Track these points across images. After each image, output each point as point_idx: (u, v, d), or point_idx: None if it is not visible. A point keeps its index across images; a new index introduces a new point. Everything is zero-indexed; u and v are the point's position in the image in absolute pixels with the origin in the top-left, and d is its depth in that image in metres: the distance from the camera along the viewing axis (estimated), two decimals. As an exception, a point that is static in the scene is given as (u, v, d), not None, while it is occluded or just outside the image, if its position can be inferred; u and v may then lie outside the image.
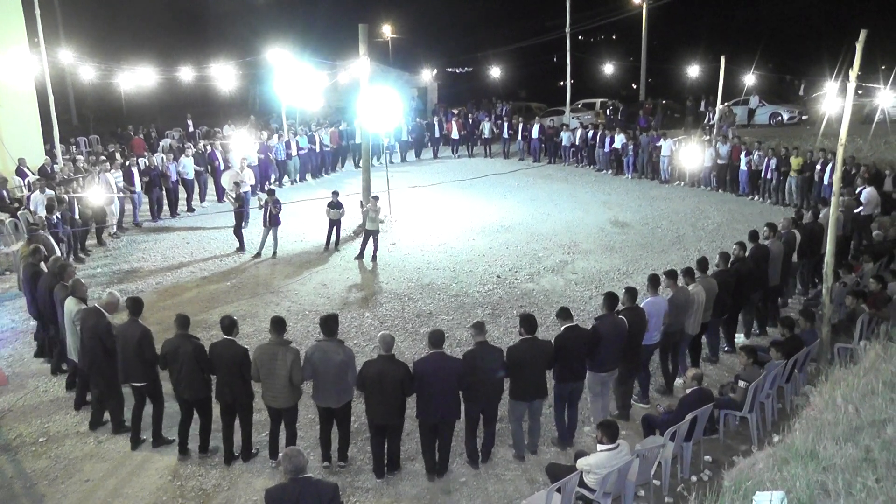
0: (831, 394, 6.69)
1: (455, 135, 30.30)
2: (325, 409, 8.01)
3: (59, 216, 14.81)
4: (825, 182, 18.54)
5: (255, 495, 7.66)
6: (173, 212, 20.04)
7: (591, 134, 27.21)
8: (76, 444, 8.66)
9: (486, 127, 30.35)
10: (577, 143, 27.56)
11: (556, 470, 7.23)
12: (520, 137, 29.51)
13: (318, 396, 7.93)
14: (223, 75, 28.79)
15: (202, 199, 21.52)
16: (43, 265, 10.63)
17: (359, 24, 18.60)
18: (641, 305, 9.25)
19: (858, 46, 9.25)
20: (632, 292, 9.15)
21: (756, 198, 21.35)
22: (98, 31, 36.86)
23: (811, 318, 9.99)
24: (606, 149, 26.13)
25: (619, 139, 25.66)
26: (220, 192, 21.05)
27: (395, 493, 7.69)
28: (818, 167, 19.27)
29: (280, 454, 8.03)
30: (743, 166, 21.58)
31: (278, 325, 7.90)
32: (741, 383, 8.59)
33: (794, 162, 20.00)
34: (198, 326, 11.76)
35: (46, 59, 20.22)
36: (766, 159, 20.92)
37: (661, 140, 24.32)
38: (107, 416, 9.02)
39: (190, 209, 20.62)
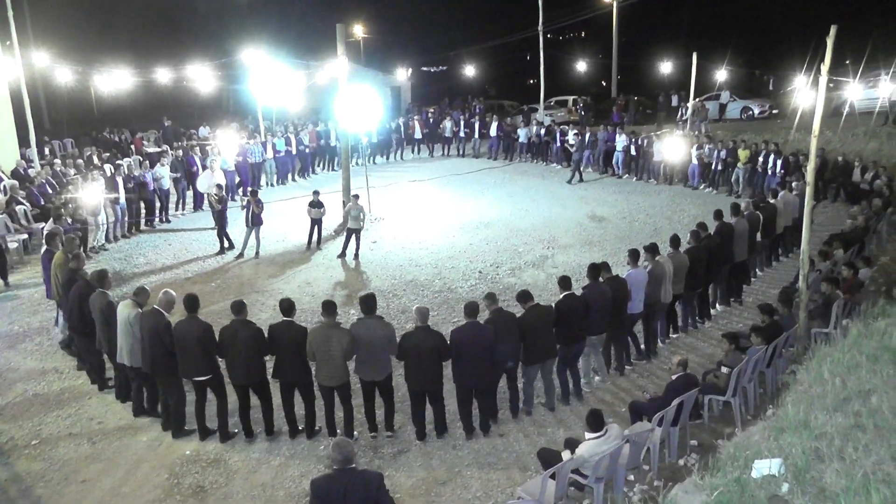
0: (818, 369, 7.00)
1: (418, 134, 30.44)
2: (368, 383, 8.49)
3: (69, 222, 14.65)
4: (769, 173, 19.94)
5: (252, 490, 7.75)
6: (149, 221, 19.11)
7: (543, 131, 27.79)
8: (70, 445, 8.67)
9: (447, 126, 30.58)
10: (533, 139, 28.14)
11: (547, 455, 7.40)
12: (476, 135, 29.85)
13: (363, 370, 8.40)
14: (198, 76, 28.60)
15: (178, 209, 20.67)
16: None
17: (336, 23, 18.74)
18: (624, 276, 10.15)
19: (829, 42, 9.51)
20: (606, 266, 10.03)
21: (709, 189, 21.99)
22: (69, 33, 36.36)
23: (789, 304, 10.34)
24: (557, 144, 26.83)
25: (572, 135, 26.03)
26: (198, 200, 20.73)
27: (390, 485, 7.73)
28: (760, 159, 20.43)
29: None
30: (693, 160, 22.30)
31: (330, 308, 8.30)
32: (724, 369, 8.85)
33: (742, 154, 21.05)
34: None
35: (21, 63, 20.02)
36: (715, 151, 21.78)
37: (618, 135, 24.92)
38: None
39: (166, 220, 19.60)
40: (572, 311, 9.17)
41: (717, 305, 12.85)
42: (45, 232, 13.02)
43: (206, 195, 18.44)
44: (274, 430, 8.76)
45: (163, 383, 8.81)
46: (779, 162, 19.53)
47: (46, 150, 23.55)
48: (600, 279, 9.77)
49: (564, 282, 9.36)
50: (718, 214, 12.82)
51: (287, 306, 8.49)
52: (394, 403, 8.79)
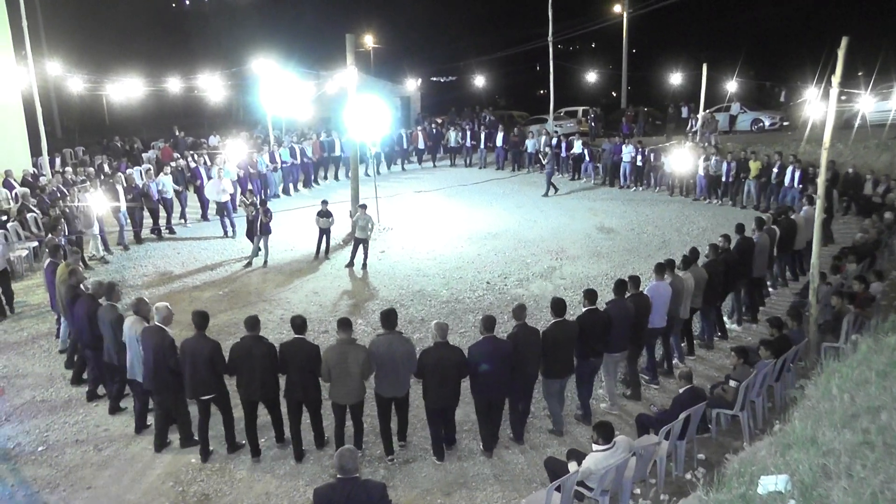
0: (826, 385, 6.94)
1: (421, 145, 30.52)
2: (387, 400, 8.34)
3: (66, 233, 14.66)
4: (786, 184, 19.66)
5: (256, 499, 7.74)
6: (155, 231, 18.91)
7: (554, 142, 27.82)
8: (76, 452, 8.70)
9: (451, 136, 30.68)
10: (541, 149, 28.09)
11: (555, 465, 7.36)
12: (482, 146, 29.86)
13: (383, 387, 8.26)
14: (208, 86, 28.77)
15: (182, 218, 20.48)
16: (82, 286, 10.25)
17: (345, 34, 18.78)
18: (645, 291, 9.93)
19: (840, 53, 9.50)
20: (635, 280, 9.84)
21: (714, 201, 21.96)
22: (81, 43, 36.84)
23: (799, 317, 10.25)
24: (563, 154, 27.12)
25: (578, 145, 26.57)
26: (205, 210, 20.83)
27: (394, 495, 7.74)
28: (775, 170, 20.21)
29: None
30: (700, 171, 22.21)
31: (345, 325, 8.15)
32: (732, 383, 8.79)
33: (753, 166, 20.84)
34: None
35: (34, 71, 20.20)
36: (723, 163, 21.59)
37: (624, 146, 25.01)
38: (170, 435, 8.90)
39: (170, 230, 19.38)
40: (594, 326, 9.02)
41: (734, 324, 12.52)
42: (45, 243, 13.00)
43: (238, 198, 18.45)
44: (284, 438, 8.66)
45: (166, 402, 8.60)
46: (797, 174, 19.29)
47: (58, 161, 23.62)
48: (626, 295, 9.62)
49: (590, 295, 9.18)
50: (740, 228, 12.57)
51: (300, 323, 8.27)
52: (408, 417, 8.70)
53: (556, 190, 23.88)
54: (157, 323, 8.38)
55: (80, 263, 13.70)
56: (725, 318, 12.51)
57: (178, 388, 8.43)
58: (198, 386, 8.20)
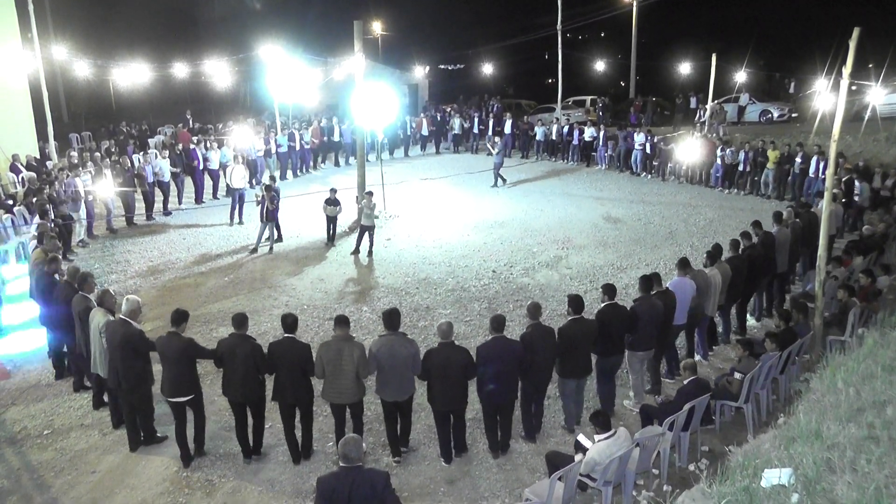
0: (832, 378, 6.92)
1: (425, 131, 30.54)
2: (391, 403, 8.01)
3: (53, 217, 14.68)
4: (810, 175, 19.50)
5: (260, 485, 7.75)
6: (149, 214, 19.12)
7: (566, 129, 27.96)
8: (80, 436, 8.73)
9: (455, 123, 30.70)
10: (553, 137, 28.29)
11: (555, 458, 7.35)
12: (490, 132, 29.89)
13: (385, 391, 7.93)
14: (216, 72, 28.71)
15: (179, 202, 20.71)
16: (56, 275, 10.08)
17: (353, 20, 18.70)
18: (668, 286, 9.72)
19: (852, 45, 9.41)
20: (658, 278, 9.64)
21: (731, 191, 22.06)
22: (88, 28, 36.79)
23: (804, 311, 10.23)
24: (575, 141, 27.31)
25: (590, 132, 26.88)
26: (199, 193, 21.08)
27: (398, 483, 7.73)
28: (798, 160, 20.08)
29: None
30: (717, 160, 22.37)
31: (342, 322, 7.85)
32: (737, 375, 8.77)
33: (772, 155, 20.88)
34: (196, 321, 11.86)
35: (41, 56, 20.19)
36: (741, 153, 21.67)
37: (636, 133, 25.29)
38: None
39: (166, 213, 19.72)
40: (615, 321, 8.78)
41: (754, 319, 12.33)
42: (35, 229, 12.90)
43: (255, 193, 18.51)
44: (261, 451, 8.31)
45: (130, 397, 8.26)
46: (821, 165, 18.90)
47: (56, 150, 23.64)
48: (652, 292, 9.35)
49: (609, 290, 8.95)
50: (758, 224, 12.37)
51: (290, 322, 7.89)
52: (411, 421, 8.42)
53: (504, 181, 23.59)
54: (121, 316, 8.10)
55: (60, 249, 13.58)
56: (749, 317, 12.28)
57: (146, 385, 8.23)
58: (175, 387, 7.94)
